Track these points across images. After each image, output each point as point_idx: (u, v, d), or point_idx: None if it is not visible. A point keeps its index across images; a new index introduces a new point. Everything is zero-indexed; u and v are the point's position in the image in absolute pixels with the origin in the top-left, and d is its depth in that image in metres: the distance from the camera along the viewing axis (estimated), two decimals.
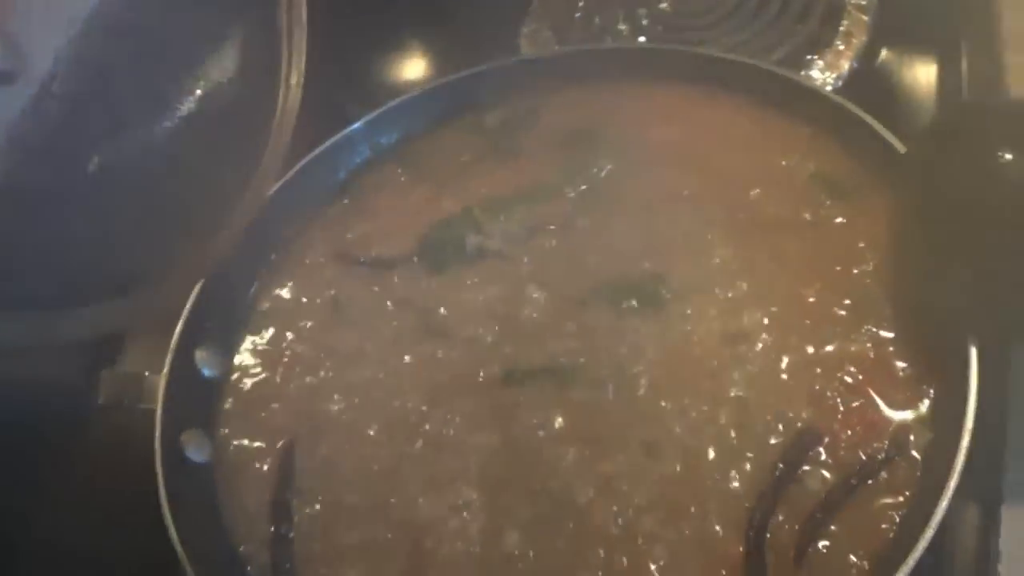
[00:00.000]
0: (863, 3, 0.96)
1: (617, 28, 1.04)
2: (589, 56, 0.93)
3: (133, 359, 0.88)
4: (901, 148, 0.76)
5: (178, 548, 0.70)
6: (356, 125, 0.91)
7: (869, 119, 0.78)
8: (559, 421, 0.73)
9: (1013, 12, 0.85)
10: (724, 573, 0.65)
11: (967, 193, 0.66)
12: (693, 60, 0.89)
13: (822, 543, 0.65)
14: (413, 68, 1.07)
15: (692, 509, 0.68)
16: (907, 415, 0.69)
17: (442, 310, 0.81)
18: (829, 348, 0.72)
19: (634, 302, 0.78)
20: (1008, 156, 0.65)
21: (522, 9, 1.08)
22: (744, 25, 1.00)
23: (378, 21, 1.07)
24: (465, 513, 0.71)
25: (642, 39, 1.02)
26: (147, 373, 0.80)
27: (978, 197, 0.66)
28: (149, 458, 0.75)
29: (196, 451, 0.78)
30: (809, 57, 0.94)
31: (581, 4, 1.07)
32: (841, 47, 0.94)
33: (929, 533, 0.60)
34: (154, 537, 0.71)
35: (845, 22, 0.95)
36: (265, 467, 0.77)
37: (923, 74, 0.93)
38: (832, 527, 0.65)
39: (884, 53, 0.96)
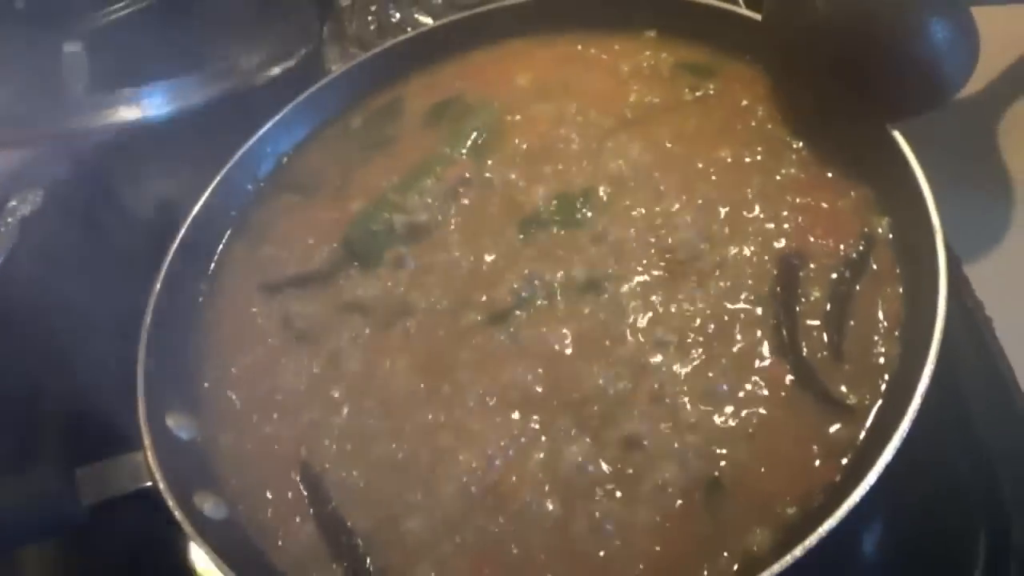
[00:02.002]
0: None
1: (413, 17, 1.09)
2: (428, 36, 0.97)
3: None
4: (757, 17, 0.85)
5: None
6: (231, 163, 0.89)
7: (723, 4, 0.88)
8: (566, 332, 0.75)
9: None
10: (783, 393, 0.70)
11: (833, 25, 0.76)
12: (522, 10, 0.95)
13: (849, 336, 0.71)
14: None
15: (728, 353, 0.72)
16: (860, 208, 0.76)
17: (394, 295, 0.81)
18: (765, 187, 0.79)
19: (583, 212, 0.81)
20: None
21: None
22: None
23: None
24: (523, 439, 0.72)
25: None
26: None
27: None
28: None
29: (214, 510, 0.73)
30: None
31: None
32: None
33: (942, 303, 0.67)
34: None
35: None
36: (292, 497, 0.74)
37: None
38: (851, 321, 0.72)
39: None
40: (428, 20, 1.09)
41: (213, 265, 0.88)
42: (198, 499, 0.73)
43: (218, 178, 0.89)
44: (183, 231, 0.86)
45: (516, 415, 0.73)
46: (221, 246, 0.88)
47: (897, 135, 0.75)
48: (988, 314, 0.76)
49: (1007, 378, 0.74)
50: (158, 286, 0.82)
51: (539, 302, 0.77)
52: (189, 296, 0.85)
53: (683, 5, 0.89)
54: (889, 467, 0.61)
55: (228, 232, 0.89)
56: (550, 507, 0.69)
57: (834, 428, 0.68)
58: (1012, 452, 0.72)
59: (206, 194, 0.88)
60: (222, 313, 0.85)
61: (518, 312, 0.77)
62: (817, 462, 0.67)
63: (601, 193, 0.82)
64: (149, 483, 0.72)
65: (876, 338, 0.71)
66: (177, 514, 0.70)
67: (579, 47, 0.93)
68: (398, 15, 1.10)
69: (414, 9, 1.10)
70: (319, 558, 0.71)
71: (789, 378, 0.70)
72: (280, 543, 0.72)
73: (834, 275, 0.74)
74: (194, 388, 0.81)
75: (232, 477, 0.76)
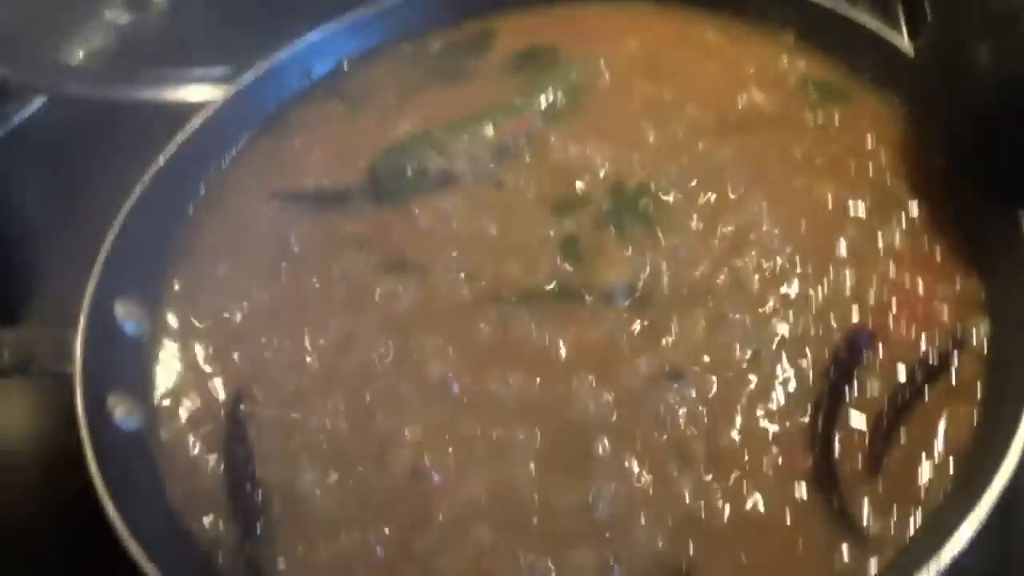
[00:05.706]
0: None
1: None
2: None
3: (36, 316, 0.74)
4: (910, 52, 0.71)
5: (119, 527, 0.57)
6: (282, 54, 0.79)
7: (874, 25, 0.73)
8: (568, 340, 0.64)
9: None
10: (793, 491, 0.57)
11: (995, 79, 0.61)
12: None
13: (895, 449, 0.58)
14: None
15: (744, 422, 0.60)
16: (961, 302, 0.62)
17: (398, 244, 0.71)
18: (859, 245, 0.66)
19: (632, 215, 0.69)
20: None
21: None
22: None
23: None
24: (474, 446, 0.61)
25: None
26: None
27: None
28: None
29: (127, 417, 0.65)
30: None
31: None
32: None
33: (1018, 444, 0.54)
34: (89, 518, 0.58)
35: None
36: (211, 431, 0.65)
37: None
38: (904, 432, 0.58)
39: None
40: None
41: (229, 157, 0.78)
42: (112, 401, 0.65)
43: (266, 65, 0.78)
44: (209, 111, 0.76)
45: (480, 415, 0.62)
46: (245, 138, 0.78)
47: None
48: None
49: None
50: (162, 161, 0.73)
51: (551, 300, 0.66)
52: (194, 182, 0.76)
53: (829, 15, 0.75)
54: None
55: (257, 125, 0.79)
56: (479, 535, 0.58)
57: (839, 554, 0.55)
58: None
59: (248, 77, 0.78)
60: (222, 211, 0.75)
61: (521, 304, 0.66)
62: None
63: (670, 196, 0.70)
64: (68, 371, 0.64)
65: (926, 462, 0.57)
66: (81, 414, 0.62)
67: (704, 29, 0.79)
68: None
69: None
70: (214, 503, 0.62)
71: (805, 475, 0.57)
72: (181, 473, 0.64)
73: (903, 371, 0.60)
74: (161, 283, 0.72)
75: (161, 387, 0.67)
